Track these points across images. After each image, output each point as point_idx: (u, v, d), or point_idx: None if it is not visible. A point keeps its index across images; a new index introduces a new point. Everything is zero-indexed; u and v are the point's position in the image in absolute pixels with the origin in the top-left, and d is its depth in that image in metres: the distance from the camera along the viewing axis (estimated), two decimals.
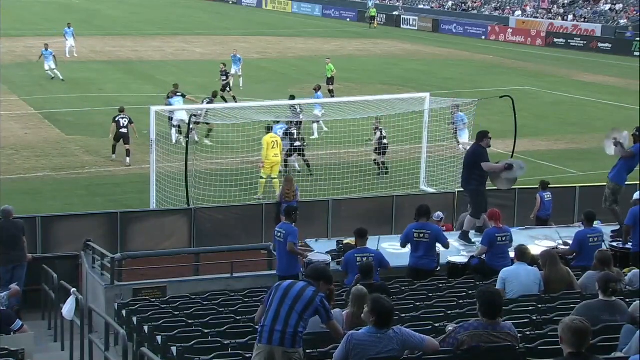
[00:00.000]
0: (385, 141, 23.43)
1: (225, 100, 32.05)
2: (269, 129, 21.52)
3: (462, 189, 16.21)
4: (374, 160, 23.50)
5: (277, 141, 21.00)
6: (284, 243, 12.54)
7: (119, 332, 10.00)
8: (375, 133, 23.36)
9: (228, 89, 33.49)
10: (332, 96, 30.85)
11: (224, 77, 33.64)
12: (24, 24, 61.42)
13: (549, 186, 18.59)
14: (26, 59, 44.67)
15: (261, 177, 20.95)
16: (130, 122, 24.17)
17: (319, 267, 7.80)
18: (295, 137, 22.50)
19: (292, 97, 26.73)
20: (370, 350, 6.77)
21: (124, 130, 24.01)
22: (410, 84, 39.81)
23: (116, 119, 24.19)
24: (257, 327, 7.62)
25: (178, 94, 26.81)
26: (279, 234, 12.71)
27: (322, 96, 29.17)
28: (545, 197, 18.09)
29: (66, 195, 21.04)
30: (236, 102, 31.48)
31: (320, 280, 7.53)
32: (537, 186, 18.79)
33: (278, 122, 22.71)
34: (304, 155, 22.83)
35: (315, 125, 27.06)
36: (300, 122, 24.81)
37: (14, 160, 23.98)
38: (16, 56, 45.14)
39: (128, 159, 23.88)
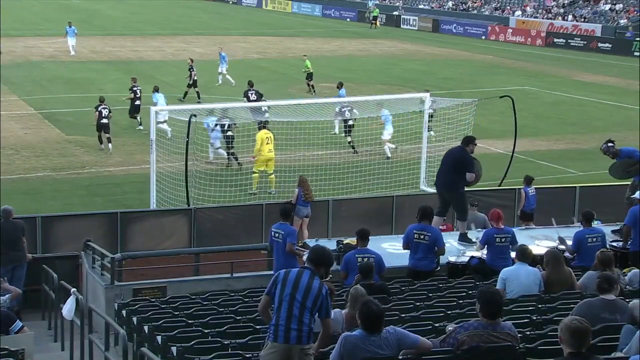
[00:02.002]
0: (350, 122, 24.13)
1: (199, 96, 32.91)
2: (261, 126, 21.79)
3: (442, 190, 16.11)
4: (349, 142, 24.51)
5: (270, 137, 21.25)
6: (282, 243, 12.56)
7: (119, 332, 9.99)
8: (343, 114, 24.42)
9: (190, 83, 33.88)
10: (314, 92, 30.93)
11: (192, 73, 33.91)
12: (24, 24, 61.42)
13: (545, 186, 18.65)
14: (26, 59, 44.71)
15: (254, 172, 21.18)
16: (110, 112, 25.09)
17: (321, 251, 7.58)
18: (226, 128, 22.80)
19: (259, 95, 27.42)
20: (363, 352, 6.76)
21: (105, 121, 24.92)
22: (410, 84, 39.79)
23: (99, 109, 24.91)
24: (265, 326, 7.49)
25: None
26: (276, 234, 12.71)
27: (345, 94, 29.35)
28: (530, 191, 18.19)
29: (66, 195, 21.04)
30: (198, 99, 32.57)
31: (321, 266, 7.48)
32: (537, 186, 18.82)
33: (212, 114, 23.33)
34: (232, 147, 23.16)
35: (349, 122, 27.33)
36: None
37: (14, 160, 23.98)
38: (16, 56, 45.15)
39: (110, 144, 25.01)
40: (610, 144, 15.39)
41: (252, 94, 27.71)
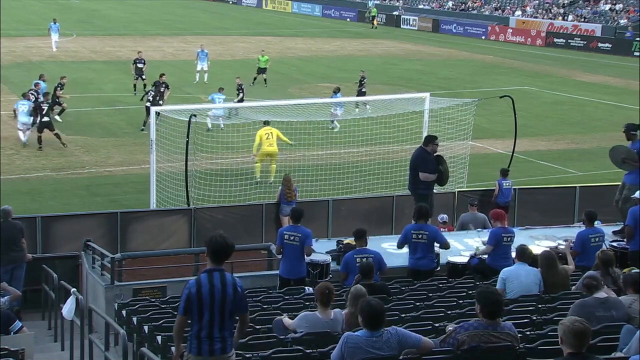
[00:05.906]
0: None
1: (135, 88, 33.92)
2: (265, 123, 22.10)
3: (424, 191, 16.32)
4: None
5: (270, 133, 21.81)
6: (299, 246, 12.18)
7: (119, 332, 9.99)
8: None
9: (142, 77, 34.47)
10: (252, 84, 31.30)
11: (141, 65, 34.57)
12: (24, 24, 61.41)
13: (545, 186, 18.63)
14: (26, 59, 44.70)
15: (256, 162, 21.96)
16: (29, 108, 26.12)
17: (220, 244, 7.13)
18: (44, 112, 24.57)
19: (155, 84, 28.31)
20: (365, 352, 6.76)
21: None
22: (410, 84, 39.80)
23: (16, 106, 26.06)
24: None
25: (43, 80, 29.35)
26: (292, 237, 12.24)
27: (339, 97, 29.50)
28: (504, 184, 18.25)
29: (66, 195, 21.03)
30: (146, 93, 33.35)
31: (225, 259, 7.23)
32: (537, 186, 18.83)
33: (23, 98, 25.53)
34: (53, 130, 24.81)
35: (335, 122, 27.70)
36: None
37: (13, 160, 23.98)
38: (16, 56, 45.14)
39: (25, 137, 25.87)
40: (632, 129, 15.35)
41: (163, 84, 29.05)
